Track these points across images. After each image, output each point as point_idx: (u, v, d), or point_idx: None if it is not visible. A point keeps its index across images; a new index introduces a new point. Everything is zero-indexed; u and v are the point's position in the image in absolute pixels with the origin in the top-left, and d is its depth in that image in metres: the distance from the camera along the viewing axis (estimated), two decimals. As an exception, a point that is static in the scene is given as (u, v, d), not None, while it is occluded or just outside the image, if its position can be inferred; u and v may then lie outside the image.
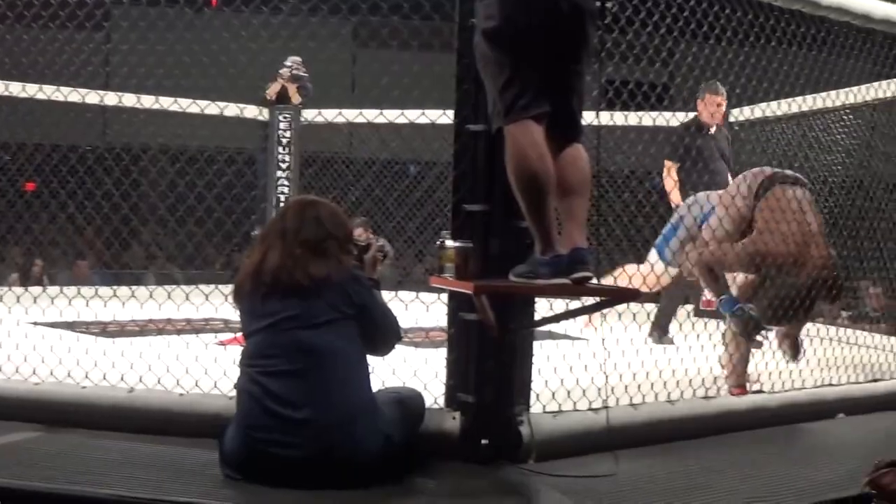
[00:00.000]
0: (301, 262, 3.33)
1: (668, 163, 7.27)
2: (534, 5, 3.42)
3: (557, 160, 3.49)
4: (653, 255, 5.72)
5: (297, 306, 3.29)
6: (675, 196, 7.07)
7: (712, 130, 7.14)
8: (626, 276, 5.66)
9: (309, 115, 9.66)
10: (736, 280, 5.11)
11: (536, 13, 3.42)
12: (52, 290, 4.85)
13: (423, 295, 4.46)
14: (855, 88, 6.40)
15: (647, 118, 8.55)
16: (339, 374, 3.27)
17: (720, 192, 5.33)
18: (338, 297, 3.33)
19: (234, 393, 3.47)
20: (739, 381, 4.97)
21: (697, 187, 6.09)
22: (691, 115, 8.63)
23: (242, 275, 3.46)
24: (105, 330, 5.14)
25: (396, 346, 3.60)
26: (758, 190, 4.98)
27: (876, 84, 6.22)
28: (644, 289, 5.21)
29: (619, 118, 7.83)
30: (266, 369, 3.28)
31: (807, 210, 4.93)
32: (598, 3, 3.57)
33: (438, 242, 3.64)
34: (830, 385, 5.08)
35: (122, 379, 4.15)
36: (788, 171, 5.27)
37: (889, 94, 6.15)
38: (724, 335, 5.06)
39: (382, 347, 3.56)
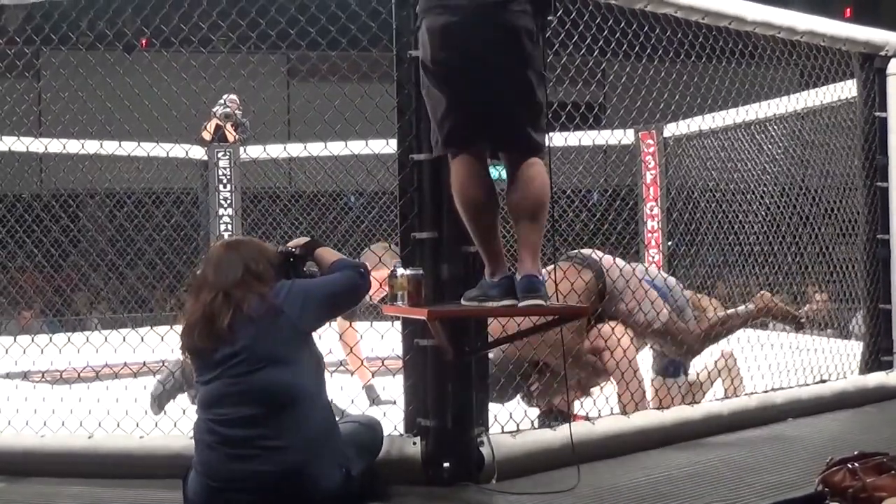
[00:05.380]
0: (223, 314, 3.27)
1: None
2: (451, 39, 3.41)
3: (514, 181, 3.50)
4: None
5: (241, 350, 3.26)
6: None
7: None
8: None
9: (254, 151, 9.66)
10: None
11: (454, 46, 3.42)
12: (5, 340, 4.82)
13: (377, 324, 4.51)
14: (786, 98, 6.57)
15: (586, 138, 8.65)
16: (295, 411, 3.26)
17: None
18: (277, 322, 3.29)
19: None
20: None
21: None
22: (629, 132, 8.80)
23: (184, 328, 3.41)
24: (61, 377, 5.12)
25: (359, 279, 3.52)
26: None
27: (805, 93, 6.36)
28: None
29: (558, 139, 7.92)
30: (221, 417, 3.27)
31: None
32: (533, 18, 3.47)
33: (390, 271, 3.67)
34: (780, 389, 5.19)
35: (81, 425, 4.14)
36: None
37: (819, 103, 6.29)
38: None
39: (340, 297, 3.53)
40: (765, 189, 7.38)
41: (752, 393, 5.07)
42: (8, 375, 5.90)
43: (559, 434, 4.02)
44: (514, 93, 3.48)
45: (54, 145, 7.98)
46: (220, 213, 9.62)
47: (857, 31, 5.66)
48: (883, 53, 5.66)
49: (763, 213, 7.32)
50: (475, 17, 3.39)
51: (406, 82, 3.86)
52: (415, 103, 3.81)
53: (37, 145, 8.25)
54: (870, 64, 5.71)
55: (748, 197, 7.51)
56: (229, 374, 3.27)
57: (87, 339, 4.64)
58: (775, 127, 7.29)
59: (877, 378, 5.55)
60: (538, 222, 3.51)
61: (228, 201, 9.64)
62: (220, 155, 9.63)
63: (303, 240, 3.71)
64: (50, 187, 9.54)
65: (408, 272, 3.61)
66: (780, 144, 7.28)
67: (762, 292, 5.63)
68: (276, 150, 9.18)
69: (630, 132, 9.10)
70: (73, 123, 6.78)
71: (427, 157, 3.81)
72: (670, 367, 5.13)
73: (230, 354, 3.27)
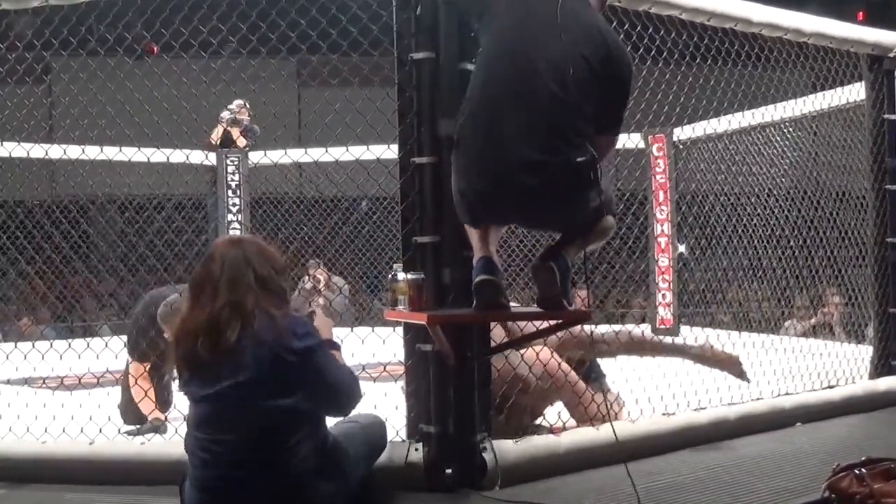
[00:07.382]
0: (232, 327, 3.06)
1: None
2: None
3: None
4: None
5: (243, 373, 3.05)
6: None
7: None
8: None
9: (255, 157, 9.69)
10: None
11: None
12: (6, 346, 4.82)
13: (379, 329, 4.48)
14: (793, 101, 6.53)
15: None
16: (293, 436, 3.11)
17: None
18: (276, 352, 3.06)
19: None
20: None
21: None
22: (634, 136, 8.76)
23: (182, 331, 3.16)
24: (62, 383, 5.10)
25: (355, 404, 3.27)
26: None
27: (813, 96, 6.34)
28: None
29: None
30: (216, 438, 3.11)
31: None
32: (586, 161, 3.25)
33: (390, 275, 3.62)
34: (787, 394, 5.14)
35: (82, 431, 4.12)
36: None
37: (827, 105, 6.26)
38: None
39: (337, 404, 3.26)
40: (778, 191, 7.35)
41: (758, 398, 5.02)
42: (9, 381, 5.89)
43: (563, 440, 3.99)
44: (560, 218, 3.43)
45: (71, 151, 7.99)
46: (229, 218, 9.65)
47: (865, 32, 5.62)
48: (892, 55, 5.63)
49: (772, 215, 7.29)
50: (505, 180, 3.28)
51: (407, 85, 3.82)
52: (416, 107, 3.78)
53: (52, 151, 8.28)
54: (878, 66, 5.67)
55: (758, 200, 7.48)
56: (228, 398, 3.08)
57: (88, 345, 4.63)
58: (773, 129, 7.27)
59: (887, 383, 5.50)
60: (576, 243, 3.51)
61: (237, 206, 9.67)
62: (228, 160, 9.65)
63: (328, 328, 3.46)
64: (64, 193, 9.57)
65: (409, 276, 3.58)
66: (792, 146, 7.25)
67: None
68: (276, 156, 9.19)
69: (638, 136, 9.06)
70: (87, 129, 6.79)
71: (428, 160, 3.77)
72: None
73: (231, 376, 3.06)
